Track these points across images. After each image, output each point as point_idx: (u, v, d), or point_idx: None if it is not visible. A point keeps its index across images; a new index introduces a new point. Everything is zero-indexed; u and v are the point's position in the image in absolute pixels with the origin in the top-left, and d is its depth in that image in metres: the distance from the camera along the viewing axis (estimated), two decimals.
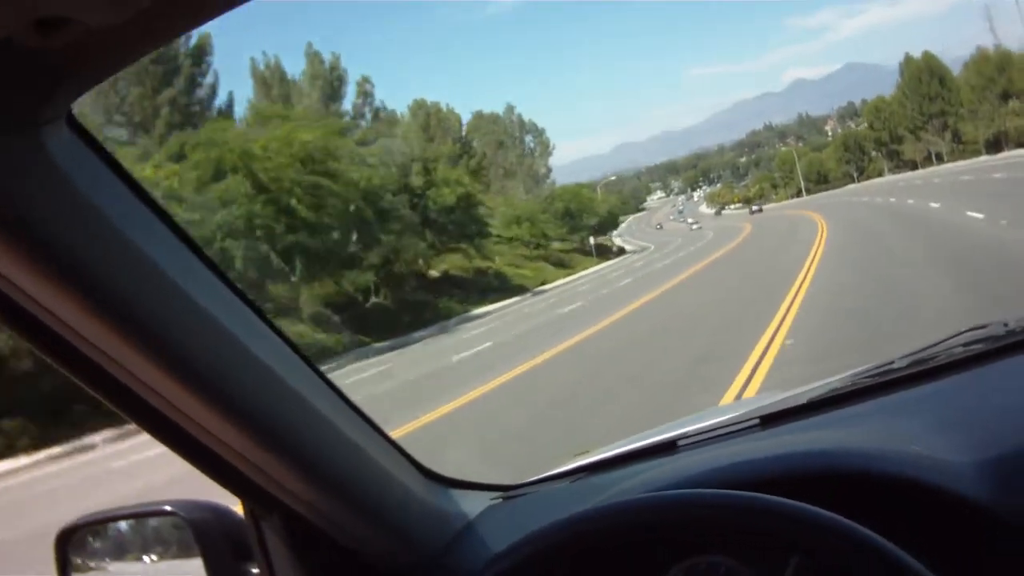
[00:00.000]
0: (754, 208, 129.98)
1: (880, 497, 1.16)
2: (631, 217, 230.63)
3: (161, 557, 1.54)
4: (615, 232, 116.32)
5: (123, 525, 1.58)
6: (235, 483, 1.22)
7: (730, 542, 1.16)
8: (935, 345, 1.66)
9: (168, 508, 1.43)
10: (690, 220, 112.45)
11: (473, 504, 1.59)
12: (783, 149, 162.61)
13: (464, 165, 62.36)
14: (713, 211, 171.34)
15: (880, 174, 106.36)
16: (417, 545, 1.41)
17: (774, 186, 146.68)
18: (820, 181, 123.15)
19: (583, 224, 74.72)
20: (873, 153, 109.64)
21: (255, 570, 1.36)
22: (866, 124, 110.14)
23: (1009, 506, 1.08)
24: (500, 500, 1.67)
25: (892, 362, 1.66)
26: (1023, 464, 1.13)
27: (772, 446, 1.45)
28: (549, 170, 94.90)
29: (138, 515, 1.55)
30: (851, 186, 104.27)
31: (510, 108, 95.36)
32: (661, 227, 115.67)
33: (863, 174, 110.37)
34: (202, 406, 1.06)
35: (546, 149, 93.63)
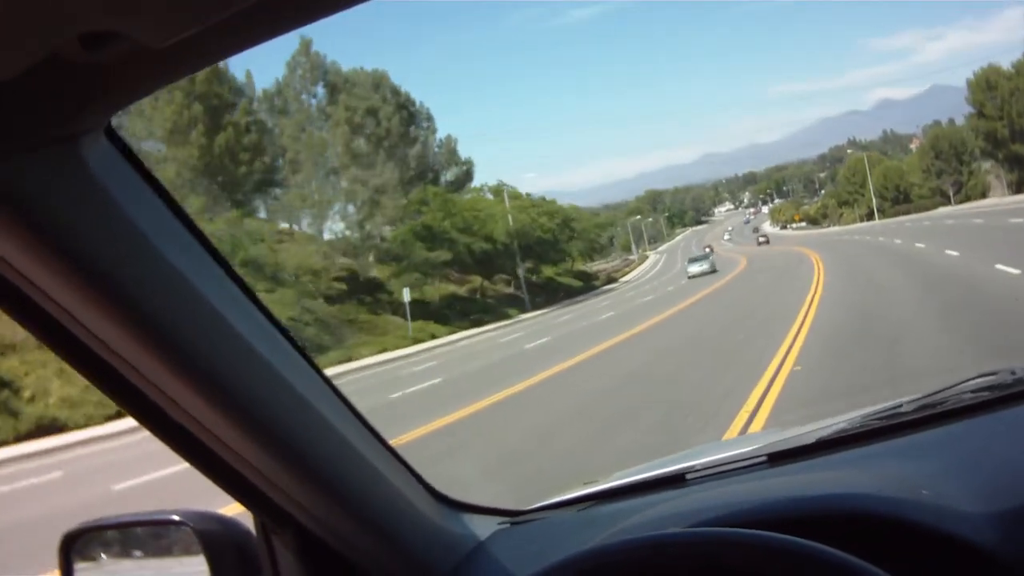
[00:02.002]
0: (761, 240, 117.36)
1: (889, 541, 1.19)
2: (688, 231, 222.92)
3: (167, 567, 1.56)
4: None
5: (130, 532, 1.60)
6: (248, 497, 1.27)
7: None
8: (944, 390, 1.69)
9: (176, 517, 1.45)
10: (705, 249, 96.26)
11: (481, 528, 1.64)
12: (853, 156, 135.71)
13: None
14: (777, 228, 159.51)
15: (983, 194, 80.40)
16: (425, 567, 1.46)
17: (841, 204, 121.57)
18: (900, 200, 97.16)
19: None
20: (980, 162, 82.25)
21: None
22: (971, 111, 76.40)
23: (1017, 556, 1.11)
24: (508, 525, 1.70)
25: (900, 405, 1.68)
26: None
27: (782, 485, 1.50)
28: None
29: (146, 523, 1.57)
30: (944, 209, 78.27)
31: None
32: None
33: (960, 191, 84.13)
34: (222, 419, 1.11)
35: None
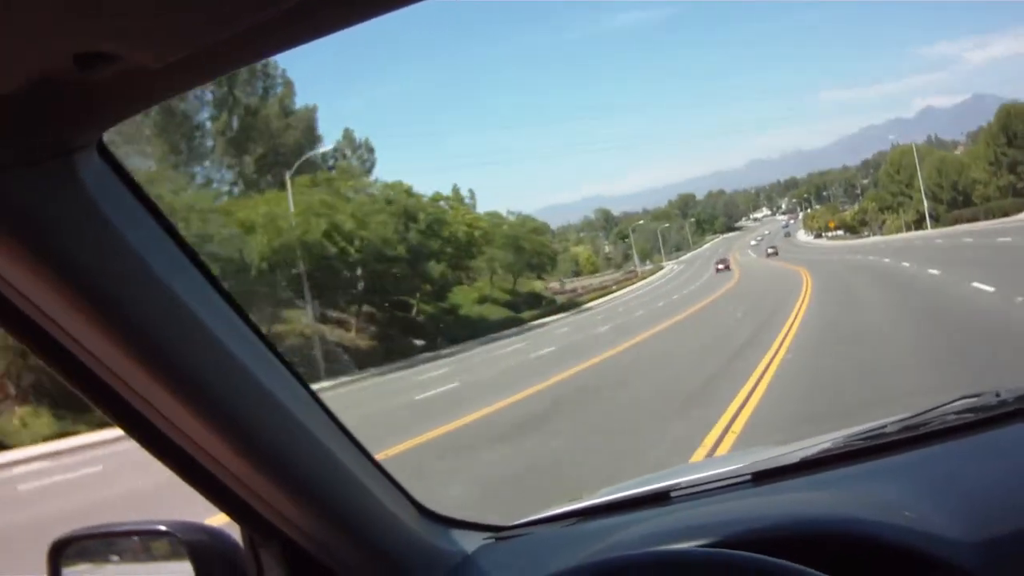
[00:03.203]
0: (769, 251, 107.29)
1: (873, 563, 1.23)
2: (719, 238, 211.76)
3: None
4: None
5: (118, 541, 1.63)
6: (236, 509, 1.31)
7: None
8: (928, 411, 1.72)
9: (164, 528, 1.47)
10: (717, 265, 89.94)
11: (466, 543, 1.67)
12: (897, 146, 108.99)
13: None
14: (811, 236, 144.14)
15: None
16: None
17: (882, 209, 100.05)
18: (959, 202, 76.54)
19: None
20: None
21: None
22: None
23: None
24: (493, 540, 1.73)
25: (885, 426, 1.72)
26: (1009, 537, 1.20)
27: (765, 504, 1.54)
28: None
29: (133, 532, 1.60)
30: None
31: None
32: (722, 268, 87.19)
33: None
34: (210, 432, 1.15)
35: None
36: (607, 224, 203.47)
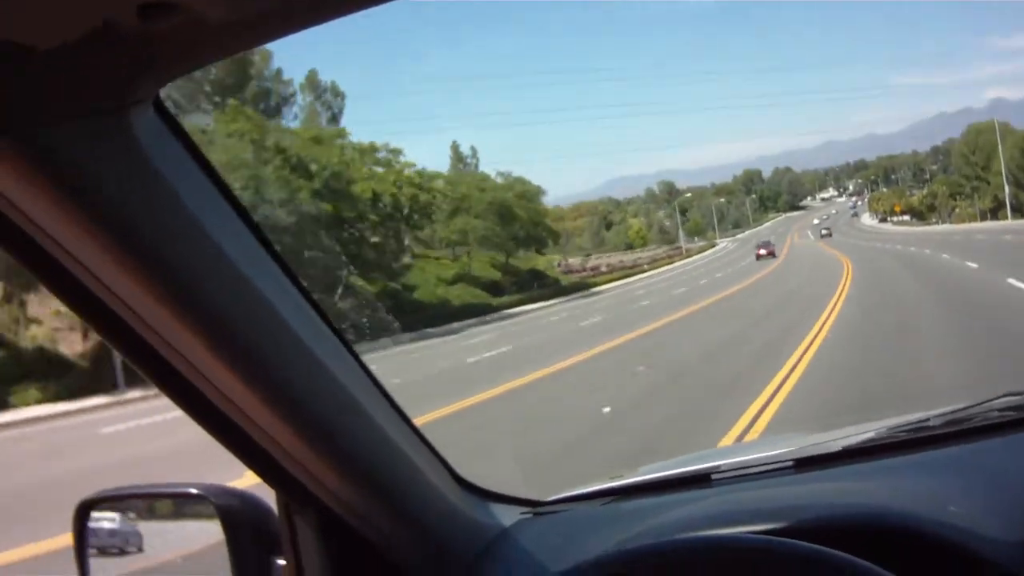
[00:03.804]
0: (823, 232, 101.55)
1: (914, 556, 1.21)
2: (782, 216, 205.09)
3: (183, 540, 1.58)
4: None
5: (148, 503, 1.62)
6: (273, 475, 1.29)
7: None
8: (972, 407, 1.73)
9: (196, 491, 1.46)
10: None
11: (503, 517, 1.65)
12: (973, 124, 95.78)
13: None
14: (876, 220, 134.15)
15: None
16: (447, 554, 1.48)
17: (954, 195, 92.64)
18: None
19: None
20: None
21: (281, 563, 1.39)
22: None
23: None
24: (530, 515, 1.72)
25: (928, 419, 1.72)
26: None
27: (808, 492, 1.54)
28: None
29: (164, 495, 1.59)
30: None
31: None
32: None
33: None
34: (252, 396, 1.13)
35: None
36: (670, 197, 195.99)
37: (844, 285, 27.33)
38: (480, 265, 55.33)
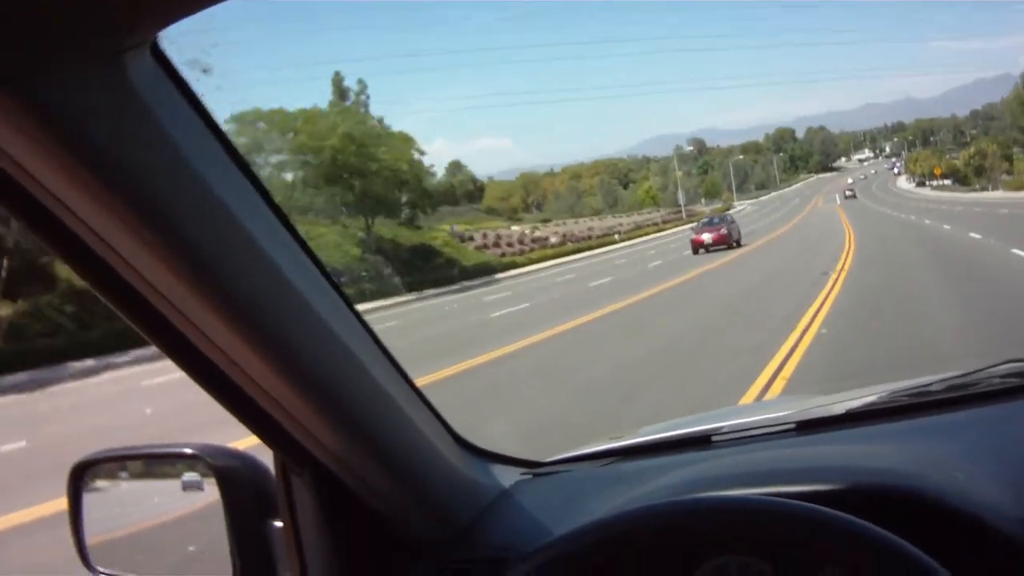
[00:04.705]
0: (847, 193, 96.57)
1: (915, 518, 1.19)
2: (813, 177, 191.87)
3: (179, 502, 1.56)
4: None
5: (143, 464, 1.62)
6: (270, 434, 1.27)
7: (765, 546, 1.21)
8: (973, 372, 1.72)
9: (191, 451, 1.45)
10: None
11: (502, 478, 1.64)
12: None
13: None
14: (912, 184, 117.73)
15: None
16: (444, 515, 1.47)
17: (1007, 157, 79.79)
18: None
19: None
20: None
21: (278, 524, 1.39)
22: None
23: None
24: (529, 476, 1.71)
25: (930, 384, 1.72)
26: None
27: (810, 455, 1.53)
28: None
29: (160, 456, 1.58)
30: None
31: None
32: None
33: None
34: (250, 352, 1.11)
35: None
36: (699, 156, 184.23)
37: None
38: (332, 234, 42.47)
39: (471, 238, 59.59)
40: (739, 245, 40.14)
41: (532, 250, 59.68)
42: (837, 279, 18.40)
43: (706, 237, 40.48)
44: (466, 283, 42.92)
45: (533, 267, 51.48)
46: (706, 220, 47.91)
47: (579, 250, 60.78)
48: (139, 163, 0.90)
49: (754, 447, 1.66)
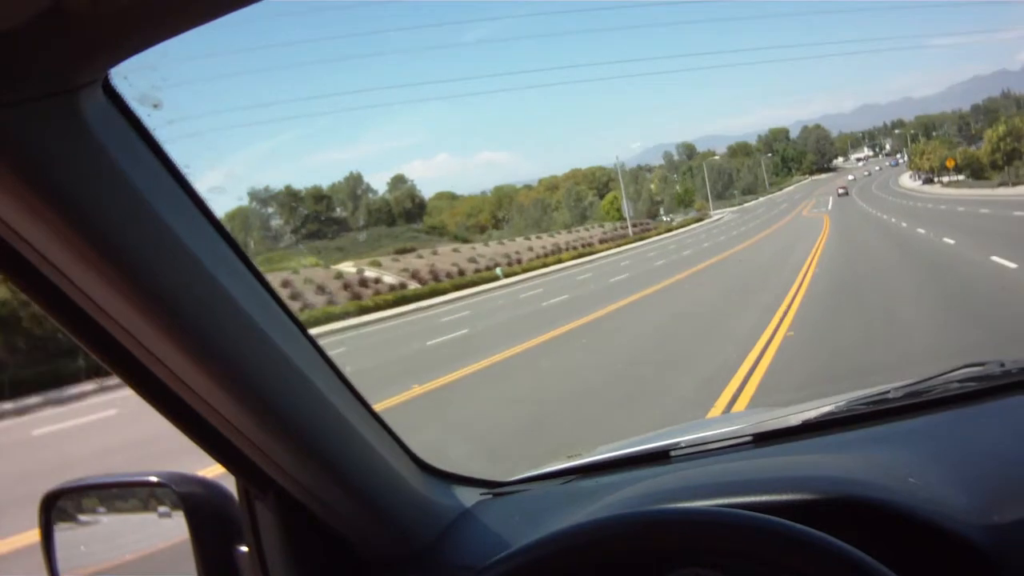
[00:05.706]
0: (840, 191, 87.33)
1: (873, 526, 1.23)
2: (807, 179, 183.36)
3: (146, 529, 1.60)
4: None
5: (111, 493, 1.64)
6: (231, 460, 1.31)
7: (724, 558, 1.22)
8: (932, 379, 1.74)
9: (157, 479, 1.49)
10: None
11: (463, 498, 1.68)
12: None
13: None
14: (919, 181, 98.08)
15: None
16: (406, 535, 1.50)
17: None
18: None
19: None
20: None
21: (243, 549, 1.43)
22: None
23: (1001, 547, 1.15)
24: (490, 496, 1.75)
25: (887, 391, 1.73)
26: (1013, 507, 1.20)
27: (766, 466, 1.55)
28: None
29: (126, 484, 1.61)
30: None
31: None
32: None
33: None
34: (209, 381, 1.15)
35: None
36: (689, 162, 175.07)
37: None
38: None
39: None
40: None
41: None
42: None
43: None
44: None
45: None
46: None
47: (401, 300, 40.41)
48: (93, 197, 0.92)
49: (711, 460, 1.67)
